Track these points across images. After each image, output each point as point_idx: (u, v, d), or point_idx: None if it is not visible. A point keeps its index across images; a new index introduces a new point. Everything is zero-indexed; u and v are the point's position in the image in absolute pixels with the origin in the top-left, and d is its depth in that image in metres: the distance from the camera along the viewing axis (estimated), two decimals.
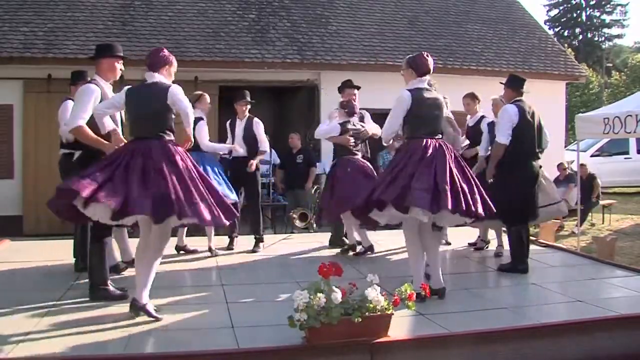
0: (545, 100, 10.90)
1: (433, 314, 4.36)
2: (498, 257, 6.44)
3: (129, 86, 4.36)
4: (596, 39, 45.09)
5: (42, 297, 4.63)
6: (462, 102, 6.98)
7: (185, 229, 6.28)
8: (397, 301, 3.71)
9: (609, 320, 4.29)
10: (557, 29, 44.60)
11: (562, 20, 45.32)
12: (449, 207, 4.33)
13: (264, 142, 6.98)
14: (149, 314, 4.10)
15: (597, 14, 44.83)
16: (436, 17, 14.39)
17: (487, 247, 6.91)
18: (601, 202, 12.45)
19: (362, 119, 6.82)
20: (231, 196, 6.25)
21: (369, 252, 6.62)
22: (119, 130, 4.55)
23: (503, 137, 5.63)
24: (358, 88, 6.95)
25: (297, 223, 8.49)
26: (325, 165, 10.29)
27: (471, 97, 6.88)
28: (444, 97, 5.14)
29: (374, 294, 3.63)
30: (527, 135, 5.68)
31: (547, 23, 43.68)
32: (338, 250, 6.75)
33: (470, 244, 7.01)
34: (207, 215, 3.94)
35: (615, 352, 4.09)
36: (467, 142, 6.89)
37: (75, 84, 5.38)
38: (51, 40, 10.74)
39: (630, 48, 47.22)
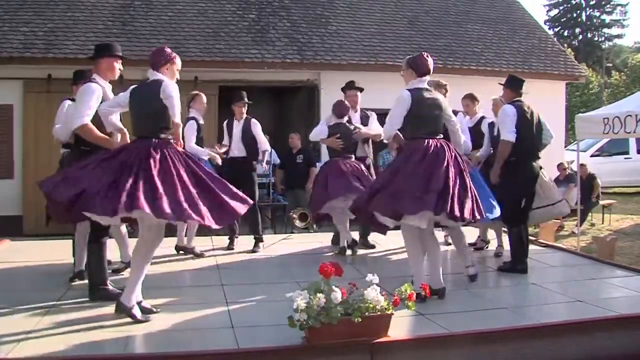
0: (545, 100, 10.89)
1: (433, 314, 4.36)
2: (498, 257, 6.44)
3: (134, 85, 4.35)
4: (596, 39, 45.08)
5: (42, 297, 4.64)
6: (461, 103, 6.96)
7: (194, 228, 6.30)
8: (397, 301, 3.71)
9: (609, 320, 4.29)
10: (557, 29, 44.59)
11: (562, 20, 45.31)
12: (432, 209, 4.36)
13: (263, 142, 7.00)
14: (133, 317, 4.08)
15: (597, 14, 44.83)
16: (436, 17, 14.39)
17: (487, 247, 6.92)
18: (601, 202, 12.45)
19: (365, 120, 6.81)
20: None
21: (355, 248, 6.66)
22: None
23: (510, 134, 5.61)
24: (361, 90, 6.94)
25: (297, 223, 8.48)
26: None
27: (470, 98, 6.86)
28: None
29: (373, 294, 3.63)
30: (527, 136, 5.68)
31: (547, 23, 43.69)
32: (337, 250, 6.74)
33: (470, 244, 7.00)
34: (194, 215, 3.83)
35: (615, 352, 4.08)
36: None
37: (77, 84, 5.38)
38: (51, 40, 10.74)
39: (630, 48, 47.23)
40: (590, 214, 12.28)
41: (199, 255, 6.49)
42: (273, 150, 10.70)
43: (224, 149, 6.95)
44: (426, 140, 4.61)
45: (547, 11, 45.84)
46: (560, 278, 5.88)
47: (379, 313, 3.65)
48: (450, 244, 7.04)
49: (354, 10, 13.79)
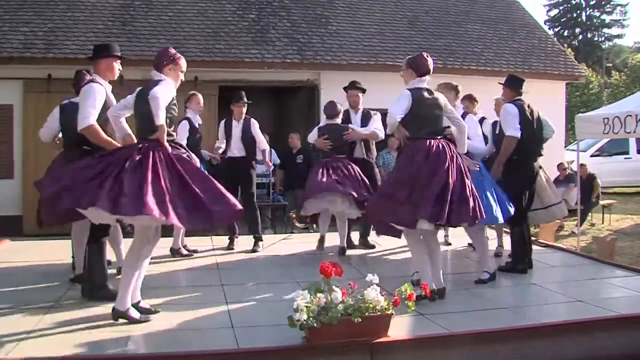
0: (545, 100, 10.86)
1: (433, 314, 4.36)
2: (498, 257, 6.44)
3: (141, 87, 4.33)
4: (596, 39, 45.08)
5: (42, 297, 4.64)
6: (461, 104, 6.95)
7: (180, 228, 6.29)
8: (397, 301, 3.71)
9: (609, 320, 4.29)
10: (557, 29, 44.58)
11: (562, 20, 45.31)
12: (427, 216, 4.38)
13: (262, 142, 7.03)
14: (131, 319, 4.07)
15: (597, 14, 44.82)
16: (436, 17, 14.39)
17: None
18: (601, 202, 12.45)
19: (366, 120, 6.79)
20: None
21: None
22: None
23: (515, 130, 5.61)
24: (363, 90, 6.94)
25: (297, 223, 8.48)
26: None
27: (469, 99, 6.82)
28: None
29: (373, 294, 3.63)
30: (528, 135, 5.68)
31: (547, 23, 43.68)
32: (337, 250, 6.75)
33: (470, 244, 7.00)
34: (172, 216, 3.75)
35: (615, 352, 4.09)
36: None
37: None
38: (51, 40, 10.74)
39: (630, 48, 47.22)
40: (590, 214, 12.28)
41: (189, 255, 6.51)
42: (273, 150, 10.71)
43: (220, 151, 6.97)
44: (428, 141, 4.60)
45: (547, 11, 45.92)
46: (560, 278, 5.88)
47: (379, 313, 3.65)
48: (450, 244, 7.07)
49: (354, 10, 13.79)
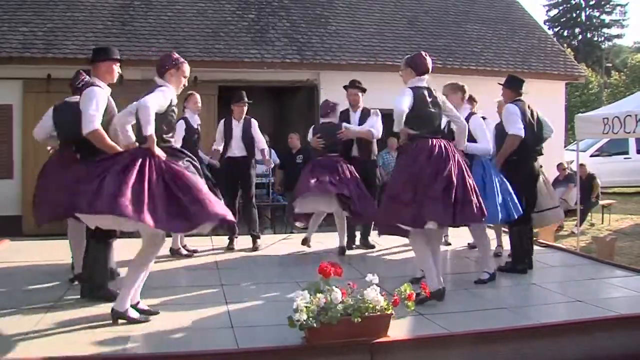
0: (545, 100, 10.87)
1: (433, 314, 4.36)
2: (497, 257, 6.44)
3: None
4: (596, 39, 45.09)
5: (42, 297, 4.64)
6: None
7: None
8: (396, 301, 3.71)
9: (609, 320, 4.29)
10: (556, 29, 44.60)
11: (562, 20, 45.33)
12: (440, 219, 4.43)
13: (261, 141, 7.06)
14: (130, 319, 4.07)
15: (597, 14, 44.84)
16: (435, 17, 14.39)
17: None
18: (601, 202, 12.45)
19: (364, 119, 6.79)
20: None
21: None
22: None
23: (519, 130, 5.60)
24: (363, 90, 6.93)
25: (297, 223, 8.47)
26: None
27: (469, 100, 6.83)
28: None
29: (373, 294, 3.63)
30: (528, 136, 5.68)
31: (547, 23, 43.69)
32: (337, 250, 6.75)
33: (469, 244, 7.01)
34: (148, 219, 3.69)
35: (615, 352, 4.09)
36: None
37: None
38: (50, 40, 10.74)
39: (629, 48, 47.21)
40: (589, 214, 12.28)
41: (188, 256, 6.52)
42: (273, 151, 10.70)
43: (217, 154, 6.97)
44: (430, 140, 4.59)
45: (547, 11, 45.96)
46: (560, 278, 5.88)
47: (378, 313, 3.66)
48: (450, 244, 7.06)
49: (354, 10, 13.80)
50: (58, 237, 6.74)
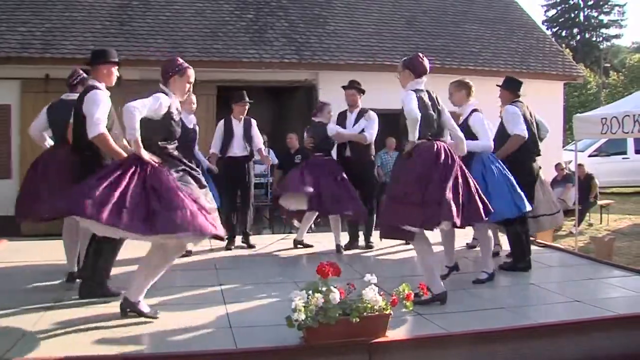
0: (543, 100, 10.91)
1: (431, 313, 4.36)
2: (495, 256, 6.44)
3: None
4: (594, 39, 45.11)
5: (41, 297, 4.64)
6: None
7: None
8: (395, 301, 3.72)
9: (607, 320, 4.30)
10: (555, 29, 44.63)
11: (560, 20, 45.36)
12: (455, 219, 4.41)
13: (260, 141, 7.13)
14: (140, 313, 4.07)
15: (595, 14, 44.89)
16: (434, 17, 14.39)
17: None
18: (599, 202, 12.48)
19: (359, 118, 6.79)
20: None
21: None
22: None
23: (523, 130, 5.61)
24: (361, 91, 6.92)
25: (295, 223, 8.48)
26: None
27: None
28: None
29: (371, 294, 3.63)
30: (528, 136, 5.69)
31: (545, 23, 43.71)
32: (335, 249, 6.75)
33: (468, 244, 7.02)
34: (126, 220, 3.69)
35: (614, 352, 4.10)
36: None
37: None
38: (49, 40, 10.72)
39: (628, 48, 47.24)
40: (588, 214, 12.31)
41: (185, 255, 6.48)
42: (271, 150, 10.72)
43: (214, 158, 6.99)
44: (433, 143, 4.58)
45: (545, 11, 45.96)
46: (558, 278, 5.89)
47: (377, 313, 3.66)
48: None
49: (352, 10, 13.79)
50: (57, 237, 6.73)
